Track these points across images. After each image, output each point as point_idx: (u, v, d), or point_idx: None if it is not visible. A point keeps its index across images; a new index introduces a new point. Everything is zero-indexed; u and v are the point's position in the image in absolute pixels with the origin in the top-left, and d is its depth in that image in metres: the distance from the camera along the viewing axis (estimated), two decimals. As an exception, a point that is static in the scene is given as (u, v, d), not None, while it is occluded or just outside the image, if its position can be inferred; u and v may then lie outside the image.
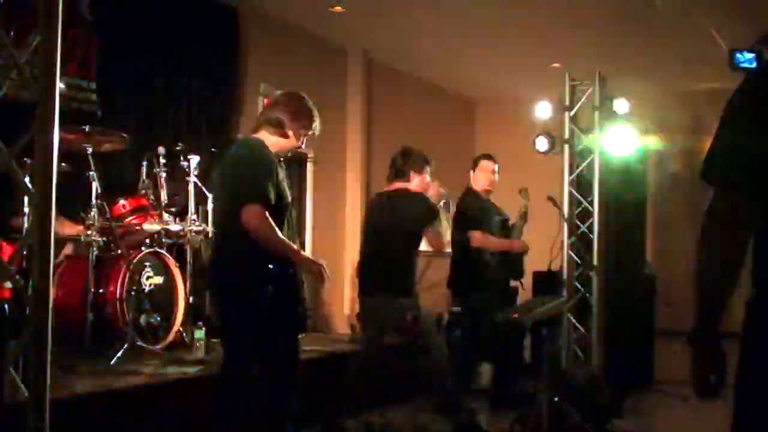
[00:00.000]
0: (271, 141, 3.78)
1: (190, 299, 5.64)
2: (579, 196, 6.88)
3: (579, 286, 6.82)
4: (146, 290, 5.40)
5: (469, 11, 8.22)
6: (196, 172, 5.74)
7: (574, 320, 6.73)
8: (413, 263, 5.16)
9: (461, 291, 5.86)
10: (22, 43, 3.19)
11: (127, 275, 5.20)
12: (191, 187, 5.71)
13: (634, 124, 6.97)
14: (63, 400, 3.85)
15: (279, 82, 7.98)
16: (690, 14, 7.91)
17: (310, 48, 9.06)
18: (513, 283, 6.37)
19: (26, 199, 4.55)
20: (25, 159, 4.20)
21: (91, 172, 5.18)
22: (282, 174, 3.75)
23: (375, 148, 9.63)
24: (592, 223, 6.79)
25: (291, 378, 3.80)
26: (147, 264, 5.45)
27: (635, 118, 7.06)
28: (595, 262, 6.72)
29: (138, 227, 5.57)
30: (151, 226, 5.54)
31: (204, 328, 5.45)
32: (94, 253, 5.15)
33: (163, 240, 5.66)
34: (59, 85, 3.05)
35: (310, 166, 8.91)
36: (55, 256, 3.30)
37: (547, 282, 6.92)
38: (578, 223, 6.89)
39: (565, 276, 6.74)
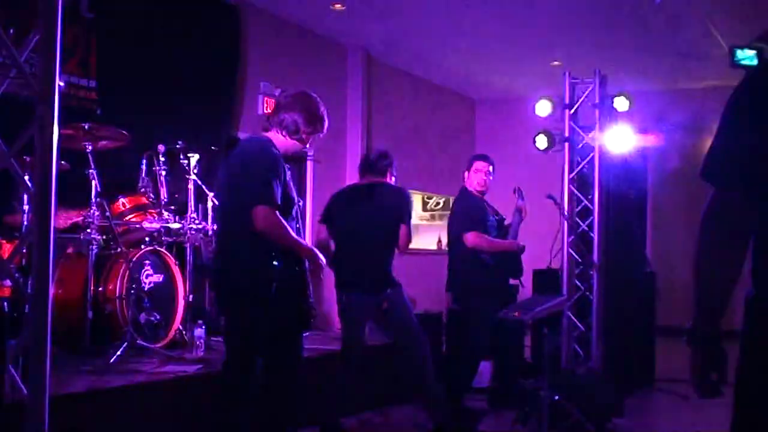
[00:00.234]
0: (280, 141, 3.79)
1: (190, 297, 5.64)
2: (579, 194, 6.87)
3: (579, 284, 6.82)
4: (146, 288, 5.39)
5: (469, 10, 8.22)
6: (196, 170, 5.74)
7: (574, 318, 6.73)
8: (392, 255, 5.18)
9: (460, 291, 5.86)
10: (21, 41, 3.19)
11: (127, 273, 5.18)
12: (191, 185, 5.71)
13: (635, 122, 6.96)
14: (63, 398, 3.84)
15: (279, 80, 7.99)
16: (690, 12, 7.91)
17: (311, 46, 9.07)
18: (513, 281, 6.35)
19: (25, 197, 4.55)
20: (25, 157, 4.20)
21: (91, 170, 5.17)
22: (288, 173, 3.76)
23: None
24: (592, 221, 6.79)
25: (294, 377, 3.79)
26: (147, 262, 5.44)
27: (635, 116, 7.04)
28: (595, 260, 6.72)
29: (138, 225, 5.56)
30: (150, 224, 5.53)
31: (204, 327, 5.44)
32: (94, 252, 5.14)
33: (163, 238, 5.65)
34: (59, 84, 3.05)
35: (309, 164, 8.91)
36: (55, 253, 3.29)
37: (547, 280, 6.93)
38: (578, 221, 6.89)
39: (565, 274, 6.74)
